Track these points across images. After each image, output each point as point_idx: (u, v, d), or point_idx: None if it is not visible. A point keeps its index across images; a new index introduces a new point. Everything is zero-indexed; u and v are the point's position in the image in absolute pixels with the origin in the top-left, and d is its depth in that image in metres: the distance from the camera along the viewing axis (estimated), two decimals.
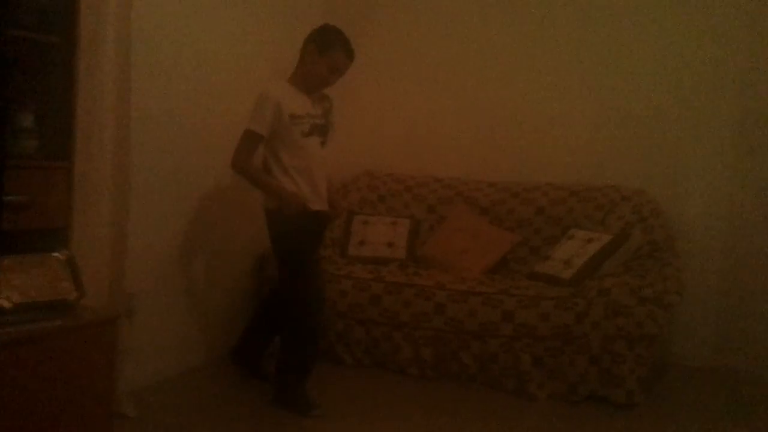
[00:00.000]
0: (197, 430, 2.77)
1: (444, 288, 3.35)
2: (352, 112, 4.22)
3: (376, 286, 3.43)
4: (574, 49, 3.95)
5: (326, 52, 2.88)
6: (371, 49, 4.16)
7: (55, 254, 2.32)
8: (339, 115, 4.14)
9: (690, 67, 3.73)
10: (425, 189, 4.12)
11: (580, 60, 3.95)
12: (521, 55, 4.08)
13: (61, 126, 2.47)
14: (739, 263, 3.64)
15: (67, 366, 2.19)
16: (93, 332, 2.29)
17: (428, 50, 4.27)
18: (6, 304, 2.12)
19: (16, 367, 2.04)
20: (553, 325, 3.13)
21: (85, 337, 2.26)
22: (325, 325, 3.31)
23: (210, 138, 3.31)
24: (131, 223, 2.71)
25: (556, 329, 3.12)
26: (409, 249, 3.85)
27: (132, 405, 2.76)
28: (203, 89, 3.31)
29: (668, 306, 3.12)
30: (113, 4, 2.53)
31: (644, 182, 3.75)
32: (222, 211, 3.51)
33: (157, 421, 2.78)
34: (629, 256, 3.39)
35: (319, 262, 3.14)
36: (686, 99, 3.74)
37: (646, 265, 3.33)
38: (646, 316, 3.02)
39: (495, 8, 4.11)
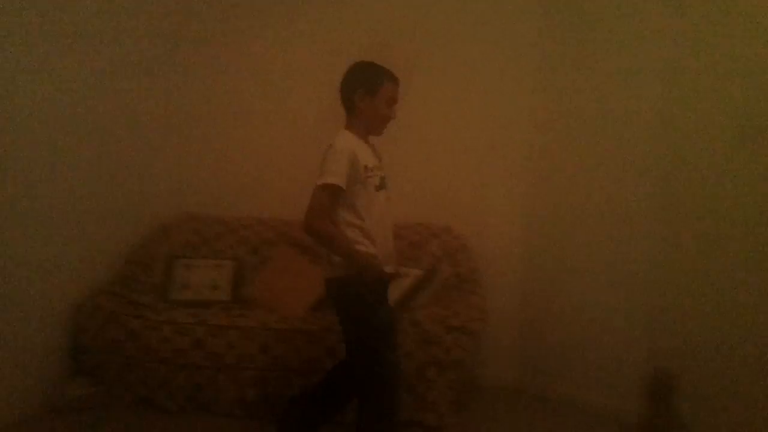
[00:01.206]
0: None
1: (268, 328, 3.44)
2: (171, 151, 4.25)
3: (198, 330, 3.45)
4: None
5: (377, 90, 2.65)
6: (188, 86, 4.24)
7: None
8: (156, 155, 4.17)
9: (480, 107, 4.12)
10: (249, 231, 4.20)
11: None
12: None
13: None
14: (534, 290, 4.04)
15: None
16: None
17: (242, 90, 4.40)
18: None
19: None
20: None
21: None
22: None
23: None
24: None
25: None
26: (233, 291, 3.91)
27: None
28: None
29: (473, 333, 3.43)
30: None
31: (450, 219, 4.09)
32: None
33: None
34: (439, 288, 3.68)
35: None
36: (480, 140, 4.13)
37: (453, 296, 3.63)
38: (454, 343, 3.30)
39: (301, 47, 4.33)
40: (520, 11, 4.05)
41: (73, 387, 3.49)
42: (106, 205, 3.89)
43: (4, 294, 3.23)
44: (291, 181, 4.29)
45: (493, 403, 3.85)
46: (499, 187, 4.13)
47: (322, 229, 2.51)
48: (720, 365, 3.10)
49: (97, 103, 3.77)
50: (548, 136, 3.95)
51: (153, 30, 4.18)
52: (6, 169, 3.22)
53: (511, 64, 4.08)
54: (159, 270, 3.89)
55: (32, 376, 3.40)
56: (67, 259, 3.58)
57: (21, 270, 3.32)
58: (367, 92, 2.66)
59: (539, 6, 4.00)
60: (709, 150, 3.19)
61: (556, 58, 3.92)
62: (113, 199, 3.95)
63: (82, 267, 3.72)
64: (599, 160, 3.69)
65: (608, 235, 3.64)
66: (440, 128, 4.20)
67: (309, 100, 4.25)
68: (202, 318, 3.52)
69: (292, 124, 4.35)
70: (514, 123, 4.09)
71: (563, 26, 3.89)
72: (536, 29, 4.00)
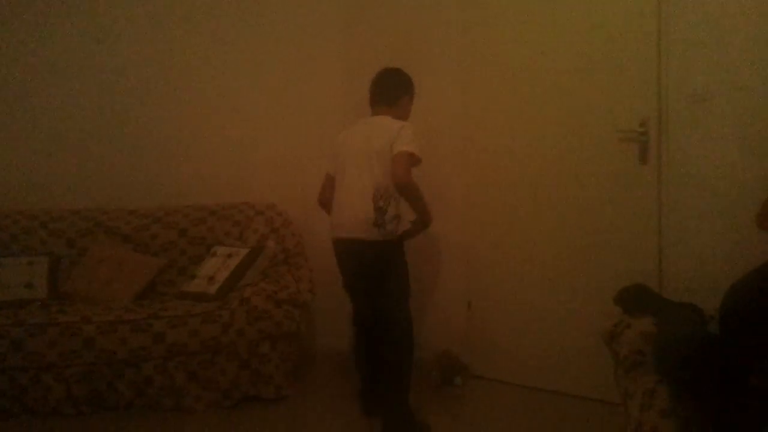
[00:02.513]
0: None
1: (91, 321, 3.32)
2: None
3: (16, 332, 3.27)
4: (197, 76, 4.23)
5: (413, 98, 3.23)
6: None
7: None
8: None
9: (297, 95, 4.24)
10: (62, 223, 4.00)
11: (205, 89, 4.23)
12: (152, 82, 4.22)
13: None
14: None
15: None
16: None
17: (60, 74, 4.19)
18: None
19: None
20: (202, 339, 3.33)
21: None
22: None
23: None
24: None
25: (206, 342, 3.33)
26: (50, 287, 3.72)
27: None
28: None
29: (302, 304, 3.54)
30: None
31: (274, 196, 4.16)
32: None
33: None
34: (266, 264, 3.74)
35: None
36: (299, 118, 4.24)
37: (281, 271, 3.71)
38: (284, 317, 3.39)
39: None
40: None
41: None
42: None
43: None
44: (102, 168, 4.19)
45: (330, 370, 4.00)
46: (318, 165, 4.18)
47: (414, 184, 2.95)
48: None
49: None
50: (360, 115, 4.08)
51: None
52: None
53: (320, 45, 4.21)
54: None
55: None
56: None
57: None
58: (410, 98, 3.22)
59: None
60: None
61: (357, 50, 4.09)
62: None
63: None
64: None
65: None
66: (262, 113, 4.27)
67: (114, 93, 4.16)
68: (18, 319, 3.34)
69: (93, 112, 4.21)
70: (327, 108, 4.21)
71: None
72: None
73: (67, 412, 3.30)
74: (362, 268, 3.06)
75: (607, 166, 3.22)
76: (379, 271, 3.02)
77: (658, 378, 2.02)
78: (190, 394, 3.34)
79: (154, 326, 3.33)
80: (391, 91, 3.18)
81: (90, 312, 3.41)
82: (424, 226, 3.15)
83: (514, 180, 3.54)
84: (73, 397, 3.30)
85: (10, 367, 3.25)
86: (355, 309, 3.24)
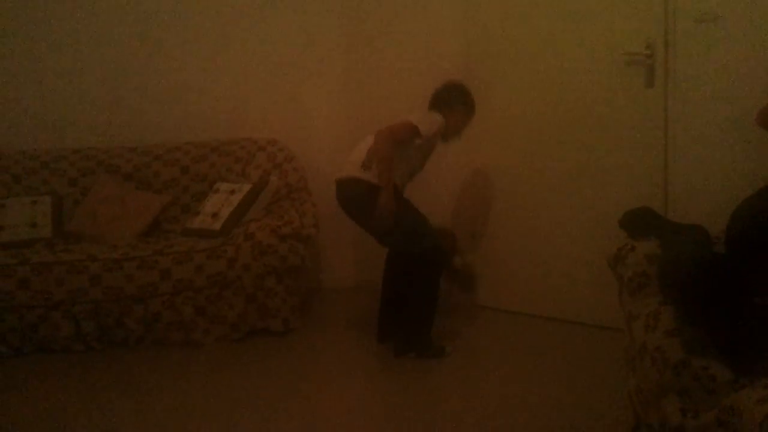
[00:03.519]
0: None
1: (96, 259, 3.34)
2: None
3: (22, 270, 3.29)
4: (197, 13, 4.13)
5: (469, 116, 3.30)
6: None
7: None
8: None
9: (294, 31, 4.15)
10: (64, 162, 3.98)
11: (206, 25, 4.14)
12: (142, 17, 4.12)
13: None
14: None
15: None
16: None
17: (59, 16, 4.10)
18: None
19: None
20: (208, 274, 3.35)
21: None
22: None
23: None
24: None
25: (212, 278, 3.35)
26: (54, 227, 3.72)
27: None
28: None
29: (307, 238, 3.54)
30: None
31: (276, 132, 4.10)
32: None
33: None
34: (270, 200, 3.73)
35: None
36: (300, 53, 4.16)
37: (284, 206, 3.70)
38: (288, 251, 3.38)
39: None
40: None
41: None
42: None
43: None
44: (100, 107, 4.14)
45: (336, 303, 4.05)
46: (320, 100, 4.20)
47: (385, 153, 3.04)
48: None
49: None
50: (362, 50, 4.04)
51: None
52: None
53: None
54: None
55: None
56: None
57: None
58: (465, 109, 3.29)
59: None
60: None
61: None
62: None
63: None
64: (405, 76, 3.87)
65: None
66: (260, 50, 4.18)
67: (107, 30, 4.10)
68: (24, 257, 3.36)
69: (89, 50, 4.13)
70: (328, 44, 4.15)
71: None
72: None
73: (77, 349, 3.35)
74: (351, 204, 3.22)
75: (613, 90, 3.17)
76: (366, 208, 3.10)
77: (663, 299, 2.02)
78: (198, 328, 3.38)
79: (159, 263, 3.34)
80: (443, 97, 3.27)
81: (95, 250, 3.43)
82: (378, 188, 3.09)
83: (519, 106, 3.48)
84: (82, 334, 3.34)
85: (19, 305, 3.29)
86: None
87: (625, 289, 2.19)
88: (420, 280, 3.11)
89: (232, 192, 3.69)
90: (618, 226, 2.34)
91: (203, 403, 2.84)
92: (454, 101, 3.27)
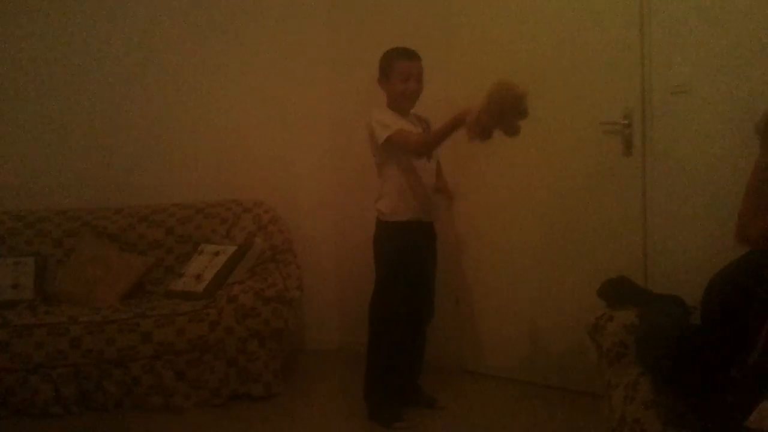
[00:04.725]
0: None
1: (77, 322, 3.32)
2: None
3: (2, 333, 3.26)
4: (183, 74, 4.21)
5: (391, 71, 3.02)
6: None
7: None
8: None
9: (284, 91, 4.23)
10: (48, 223, 3.99)
11: (191, 87, 4.22)
12: (129, 78, 4.19)
13: None
14: (347, 255, 4.19)
15: None
16: None
17: (43, 75, 4.17)
18: None
19: None
20: (189, 338, 3.33)
21: None
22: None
23: None
24: None
25: (193, 341, 3.33)
26: (36, 288, 3.71)
27: None
28: None
29: (291, 301, 3.53)
30: None
31: (262, 193, 4.14)
32: None
33: None
34: (254, 262, 3.74)
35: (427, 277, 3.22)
36: (287, 114, 4.23)
37: (269, 269, 3.70)
38: (272, 314, 3.38)
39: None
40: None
41: None
42: None
43: None
44: (87, 168, 4.17)
45: (319, 366, 4.01)
46: (306, 161, 4.26)
47: (422, 143, 2.95)
48: None
49: None
50: (349, 111, 4.10)
51: None
52: None
53: (305, 41, 4.21)
54: None
55: None
56: None
57: None
58: (383, 76, 3.07)
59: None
60: None
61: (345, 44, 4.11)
62: None
63: None
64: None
65: None
66: (247, 111, 4.25)
67: (97, 92, 4.16)
68: (5, 319, 3.33)
69: (79, 111, 4.19)
70: (315, 105, 4.23)
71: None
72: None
73: (56, 413, 3.29)
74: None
75: (592, 159, 3.23)
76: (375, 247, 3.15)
77: (641, 370, 2.03)
78: (178, 393, 3.34)
79: (141, 326, 3.32)
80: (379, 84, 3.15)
81: (77, 312, 3.41)
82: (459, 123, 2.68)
83: (498, 174, 3.54)
84: (61, 398, 3.29)
85: None
86: None
87: (604, 358, 2.21)
88: (374, 336, 3.12)
89: (217, 254, 3.70)
90: (596, 295, 2.37)
91: None
92: (379, 80, 3.09)
